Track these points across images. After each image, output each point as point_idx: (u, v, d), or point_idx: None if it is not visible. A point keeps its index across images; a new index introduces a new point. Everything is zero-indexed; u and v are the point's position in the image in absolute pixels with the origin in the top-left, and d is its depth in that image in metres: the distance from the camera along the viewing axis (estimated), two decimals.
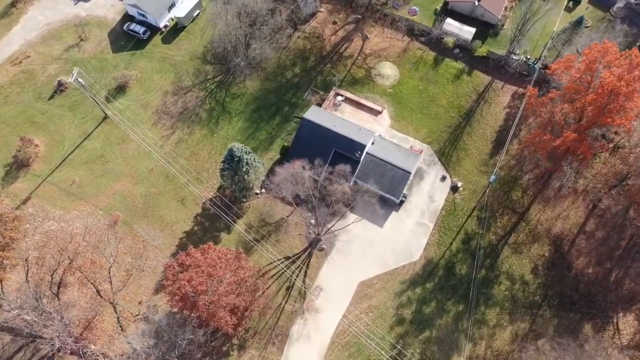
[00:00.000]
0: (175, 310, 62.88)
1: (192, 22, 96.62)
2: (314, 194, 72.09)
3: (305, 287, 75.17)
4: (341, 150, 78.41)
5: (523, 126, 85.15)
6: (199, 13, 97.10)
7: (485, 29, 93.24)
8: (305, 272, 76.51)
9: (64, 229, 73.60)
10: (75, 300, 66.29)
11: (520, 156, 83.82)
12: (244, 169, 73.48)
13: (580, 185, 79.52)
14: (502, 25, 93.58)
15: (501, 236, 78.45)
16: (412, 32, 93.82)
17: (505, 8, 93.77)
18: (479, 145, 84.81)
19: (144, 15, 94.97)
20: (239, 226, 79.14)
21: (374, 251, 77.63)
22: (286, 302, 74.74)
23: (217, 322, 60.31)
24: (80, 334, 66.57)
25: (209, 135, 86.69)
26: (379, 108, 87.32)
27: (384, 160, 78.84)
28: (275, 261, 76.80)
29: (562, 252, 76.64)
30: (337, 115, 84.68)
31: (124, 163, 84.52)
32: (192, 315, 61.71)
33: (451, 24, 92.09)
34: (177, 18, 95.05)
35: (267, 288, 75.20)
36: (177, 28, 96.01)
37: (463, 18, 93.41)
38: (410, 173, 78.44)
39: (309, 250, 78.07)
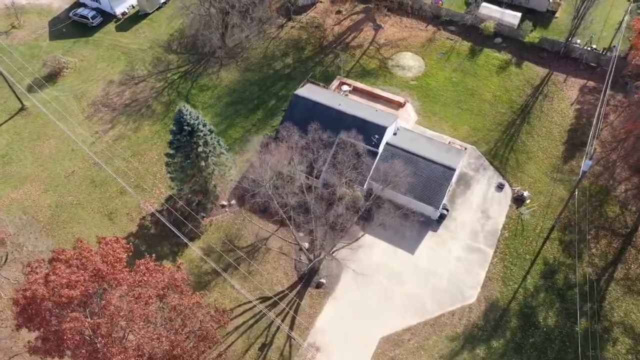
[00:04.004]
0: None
1: (157, 9, 76.20)
2: (310, 201, 45.49)
3: (293, 344, 45.32)
4: (350, 137, 52.80)
5: (603, 125, 61.01)
6: (166, 0, 77.13)
7: (532, 17, 72.46)
8: (293, 321, 47.04)
9: None
10: None
11: (607, 161, 58.39)
12: (200, 150, 47.39)
13: None
14: (554, 14, 73.15)
15: (602, 268, 50.09)
16: (439, 19, 73.02)
17: None
18: (545, 147, 59.53)
19: (97, 1, 74.94)
20: (193, 251, 51.11)
21: (404, 290, 48.82)
22: None
23: None
24: None
25: (161, 132, 61.62)
26: (400, 100, 63.43)
27: (413, 153, 53.04)
28: (245, 303, 47.75)
29: None
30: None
31: (35, 164, 58.52)
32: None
33: (489, 7, 71.55)
34: (139, 2, 74.78)
35: (230, 345, 45.40)
36: (138, 15, 75.41)
37: (502, 6, 72.99)
38: (454, 170, 52.21)
39: (299, 286, 49.29)
